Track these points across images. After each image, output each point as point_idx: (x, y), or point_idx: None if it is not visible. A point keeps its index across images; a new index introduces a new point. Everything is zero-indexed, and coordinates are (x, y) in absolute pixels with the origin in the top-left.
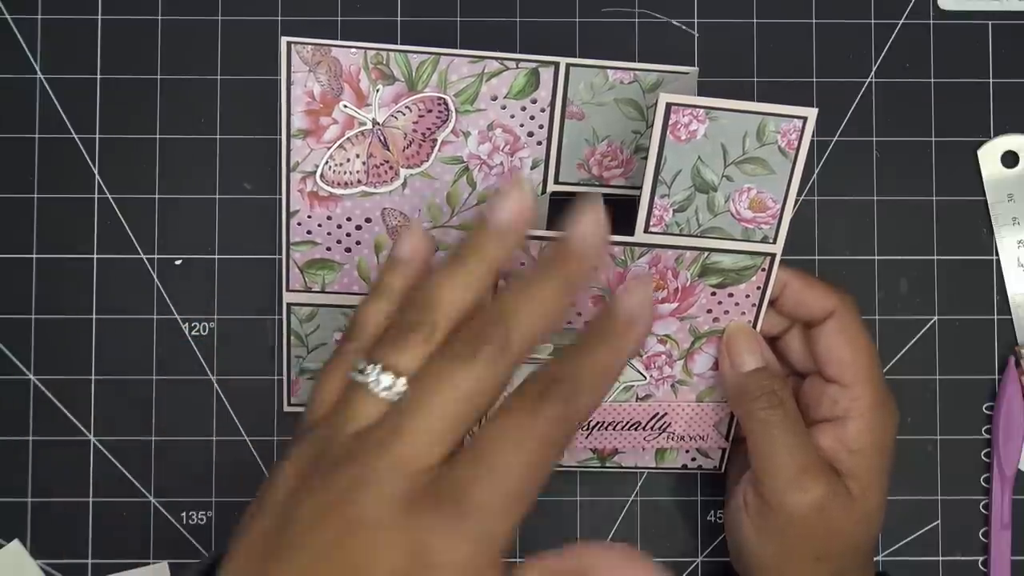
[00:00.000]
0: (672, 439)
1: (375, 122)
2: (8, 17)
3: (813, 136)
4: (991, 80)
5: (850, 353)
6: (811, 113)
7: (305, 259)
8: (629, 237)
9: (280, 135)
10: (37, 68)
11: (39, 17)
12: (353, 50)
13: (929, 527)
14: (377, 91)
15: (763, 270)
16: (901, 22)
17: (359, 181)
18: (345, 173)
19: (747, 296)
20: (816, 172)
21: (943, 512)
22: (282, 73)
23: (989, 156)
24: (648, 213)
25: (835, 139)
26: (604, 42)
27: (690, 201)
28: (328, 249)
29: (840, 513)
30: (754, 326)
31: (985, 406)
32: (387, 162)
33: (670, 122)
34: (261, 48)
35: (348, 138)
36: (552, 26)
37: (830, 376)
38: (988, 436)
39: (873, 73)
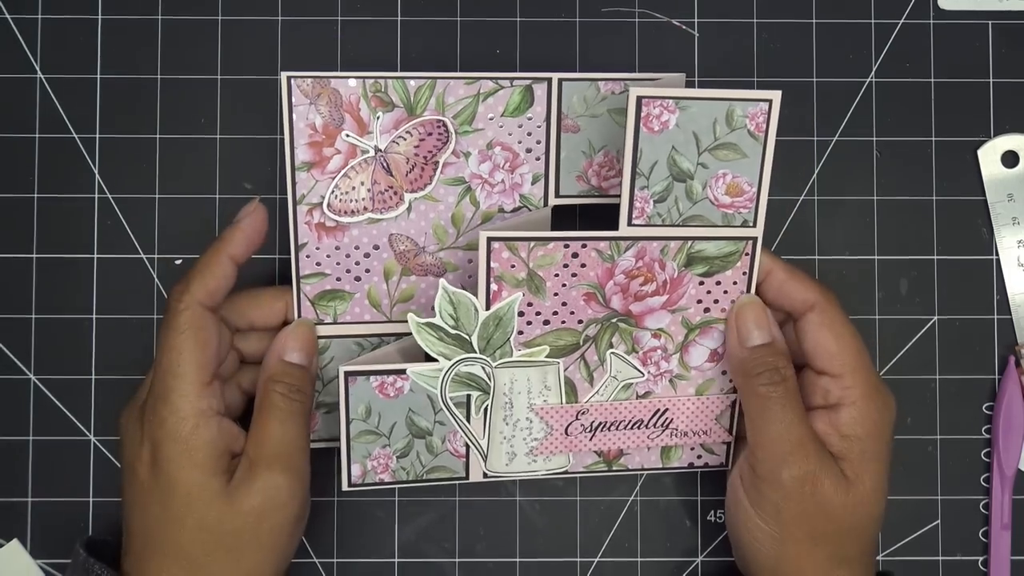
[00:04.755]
0: (676, 435)
1: (377, 149)
2: (8, 17)
3: (813, 136)
4: (991, 80)
5: (835, 345)
6: (775, 96)
7: (315, 292)
8: (614, 232)
9: (284, 169)
10: (37, 68)
11: (39, 17)
12: (352, 80)
13: (929, 527)
14: (377, 118)
15: (747, 255)
16: (901, 22)
17: (365, 208)
18: (351, 201)
19: (734, 283)
20: (816, 172)
21: (943, 512)
22: (284, 107)
23: (989, 156)
24: (630, 206)
25: (835, 139)
26: (604, 42)
27: (669, 191)
28: (338, 279)
29: (832, 492)
30: None
31: (985, 406)
32: (391, 187)
33: (642, 115)
34: (261, 48)
35: (352, 166)
36: (552, 26)
37: (820, 368)
38: (988, 436)
39: (873, 73)
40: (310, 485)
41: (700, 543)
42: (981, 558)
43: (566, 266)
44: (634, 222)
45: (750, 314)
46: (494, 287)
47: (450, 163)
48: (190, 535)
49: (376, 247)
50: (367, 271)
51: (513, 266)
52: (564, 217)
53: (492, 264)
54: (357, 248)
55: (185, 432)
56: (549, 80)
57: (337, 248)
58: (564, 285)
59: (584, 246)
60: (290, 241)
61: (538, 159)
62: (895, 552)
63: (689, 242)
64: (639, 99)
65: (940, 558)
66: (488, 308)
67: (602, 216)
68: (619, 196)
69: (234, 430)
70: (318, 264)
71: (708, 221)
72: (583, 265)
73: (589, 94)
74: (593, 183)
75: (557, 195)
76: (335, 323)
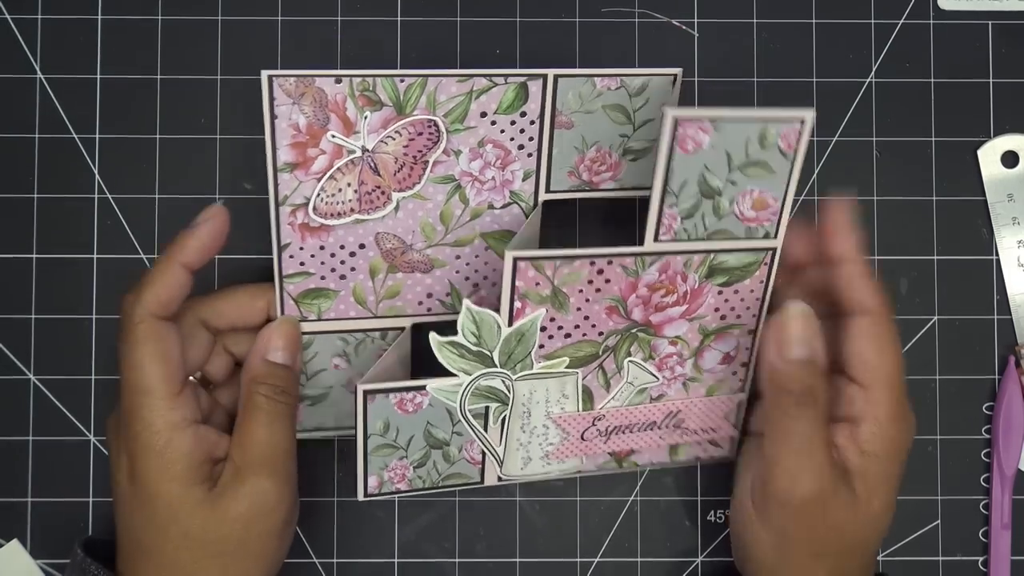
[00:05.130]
0: (686, 434)
1: (364, 149)
2: (8, 17)
3: (813, 136)
4: (991, 80)
5: (876, 357)
6: (809, 115)
7: (299, 290)
8: (640, 248)
9: (267, 170)
10: (37, 68)
11: (39, 17)
12: (337, 79)
13: (929, 527)
14: (365, 118)
15: (765, 264)
16: (901, 22)
17: (352, 210)
18: (338, 203)
19: (751, 291)
20: (816, 172)
21: (943, 512)
22: (264, 107)
23: (989, 156)
24: (657, 223)
25: (835, 139)
26: (604, 42)
27: (696, 208)
28: (322, 278)
29: (842, 511)
30: (757, 319)
31: (985, 406)
32: (379, 187)
33: (677, 135)
34: (261, 48)
35: (338, 168)
36: (552, 26)
37: (853, 375)
38: (988, 436)
39: (873, 73)
40: (306, 485)
41: (700, 543)
42: (981, 558)
43: (591, 282)
44: (661, 238)
45: (797, 326)
46: (518, 304)
47: (440, 161)
48: (174, 543)
49: (362, 246)
50: (352, 269)
51: (538, 284)
52: (553, 216)
53: (517, 283)
54: (342, 247)
55: (159, 446)
56: (544, 77)
57: (322, 248)
58: (588, 300)
59: (610, 263)
60: (272, 241)
61: (530, 156)
62: (895, 552)
63: (712, 255)
64: (675, 120)
65: (940, 558)
66: (511, 325)
67: (592, 208)
68: (609, 191)
69: (212, 436)
70: (302, 264)
71: (732, 235)
72: (607, 280)
73: (584, 90)
74: (584, 178)
75: (548, 191)
76: (319, 320)
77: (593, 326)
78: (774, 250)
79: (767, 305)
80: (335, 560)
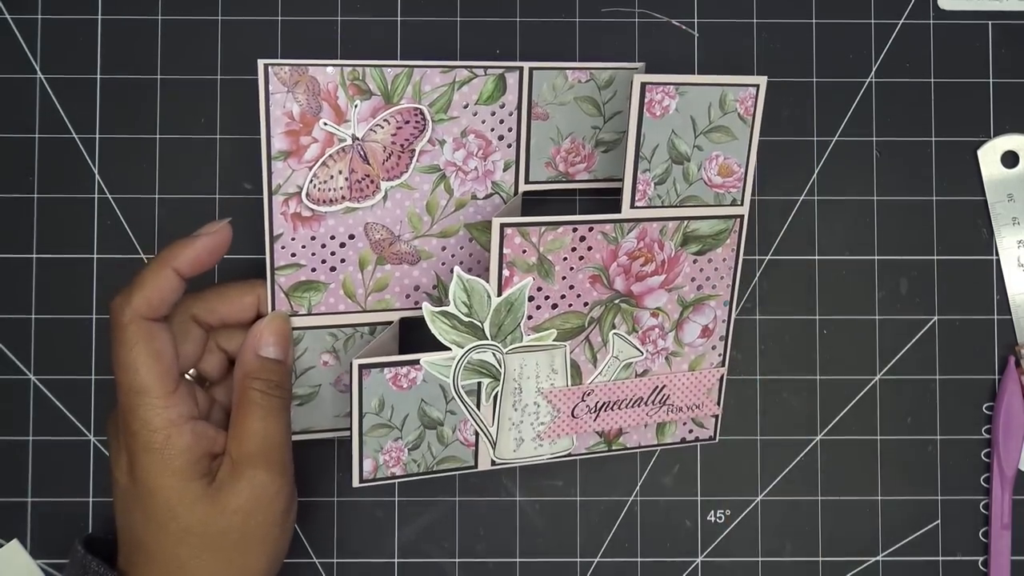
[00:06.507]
0: (672, 411)
1: (354, 137)
2: (8, 17)
3: (813, 136)
4: (991, 80)
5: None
6: (762, 81)
7: (290, 283)
8: (618, 215)
9: (260, 158)
10: (37, 68)
11: (39, 17)
12: (330, 68)
13: (929, 527)
14: (355, 107)
15: (735, 232)
16: (901, 22)
17: (343, 197)
18: (329, 190)
19: (724, 260)
20: (816, 172)
21: (943, 512)
22: (260, 95)
23: (989, 156)
24: (632, 189)
25: (835, 139)
26: (604, 42)
27: (668, 173)
28: (313, 270)
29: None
30: (731, 289)
31: (985, 406)
32: (368, 176)
33: (645, 100)
34: (261, 48)
35: (330, 155)
36: (552, 26)
37: None
38: (988, 436)
39: (873, 73)
40: (306, 485)
41: (700, 543)
42: (981, 558)
43: (574, 249)
44: (636, 204)
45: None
46: (506, 273)
47: (426, 151)
48: (175, 539)
49: (351, 236)
50: (342, 261)
51: (524, 251)
52: (533, 208)
53: (505, 250)
54: (333, 238)
55: (158, 443)
56: (520, 69)
57: (313, 238)
58: (572, 268)
59: (591, 229)
60: (265, 233)
61: (509, 146)
62: (895, 552)
63: (685, 222)
64: (643, 85)
65: (940, 558)
66: (500, 294)
67: (568, 199)
68: (584, 181)
69: (210, 432)
70: (293, 255)
71: (702, 201)
72: (589, 248)
73: (558, 82)
74: (560, 169)
75: (527, 181)
76: (309, 314)
77: (578, 296)
78: (742, 217)
79: (739, 274)
80: (335, 560)
